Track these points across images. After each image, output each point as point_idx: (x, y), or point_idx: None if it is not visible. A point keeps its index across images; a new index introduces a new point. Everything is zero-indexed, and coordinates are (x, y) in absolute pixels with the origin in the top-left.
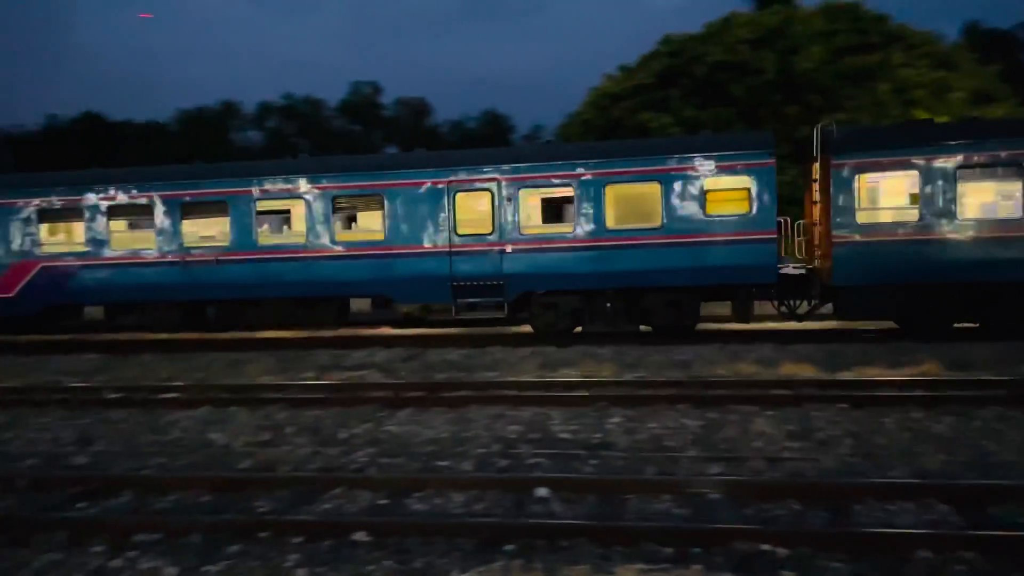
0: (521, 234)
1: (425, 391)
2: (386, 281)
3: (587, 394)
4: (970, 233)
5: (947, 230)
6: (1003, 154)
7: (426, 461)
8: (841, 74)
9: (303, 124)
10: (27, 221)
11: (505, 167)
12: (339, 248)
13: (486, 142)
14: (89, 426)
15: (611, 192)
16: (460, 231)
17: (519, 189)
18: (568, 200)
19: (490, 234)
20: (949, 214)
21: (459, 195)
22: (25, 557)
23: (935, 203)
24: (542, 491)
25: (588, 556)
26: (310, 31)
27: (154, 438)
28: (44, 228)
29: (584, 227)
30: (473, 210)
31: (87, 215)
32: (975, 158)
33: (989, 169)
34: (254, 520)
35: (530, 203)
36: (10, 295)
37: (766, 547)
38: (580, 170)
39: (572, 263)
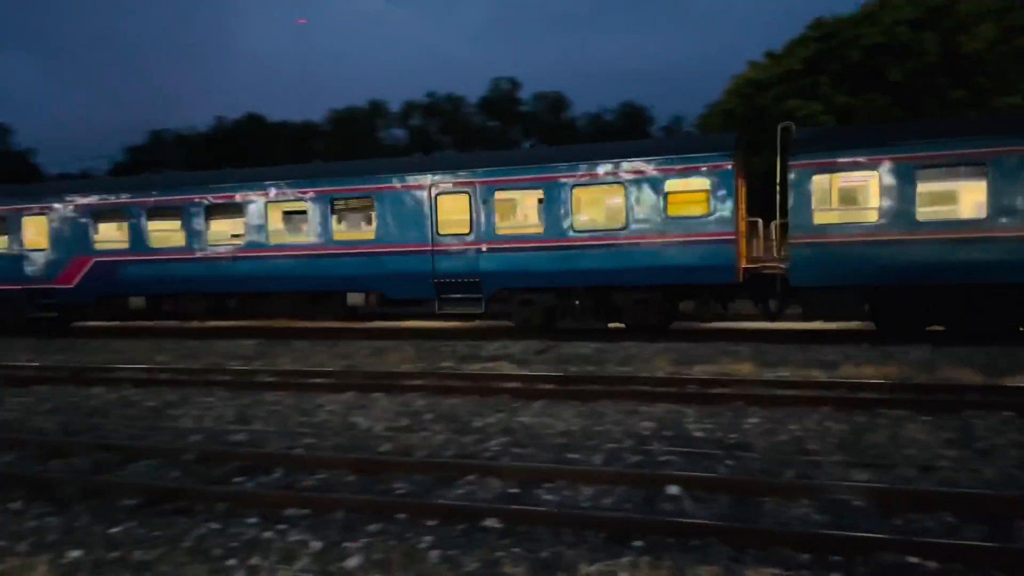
0: (496, 234)
1: (557, 384)
2: (384, 277)
3: (724, 392)
4: (931, 234)
5: (906, 232)
6: (965, 153)
7: (557, 453)
8: (1015, 54)
9: (445, 122)
10: (83, 221)
11: (481, 171)
12: (337, 247)
13: (623, 135)
14: (247, 406)
15: (578, 194)
16: (441, 231)
17: (494, 192)
18: (539, 202)
19: (468, 234)
20: (908, 215)
21: (440, 197)
22: (189, 525)
23: (894, 204)
24: (673, 489)
25: (719, 557)
26: (454, 29)
27: (304, 420)
28: (97, 228)
29: (553, 228)
30: (453, 212)
31: (134, 215)
32: (936, 158)
33: (951, 169)
34: (392, 501)
35: (504, 205)
36: (71, 286)
37: (913, 559)
38: (549, 173)
39: (542, 262)
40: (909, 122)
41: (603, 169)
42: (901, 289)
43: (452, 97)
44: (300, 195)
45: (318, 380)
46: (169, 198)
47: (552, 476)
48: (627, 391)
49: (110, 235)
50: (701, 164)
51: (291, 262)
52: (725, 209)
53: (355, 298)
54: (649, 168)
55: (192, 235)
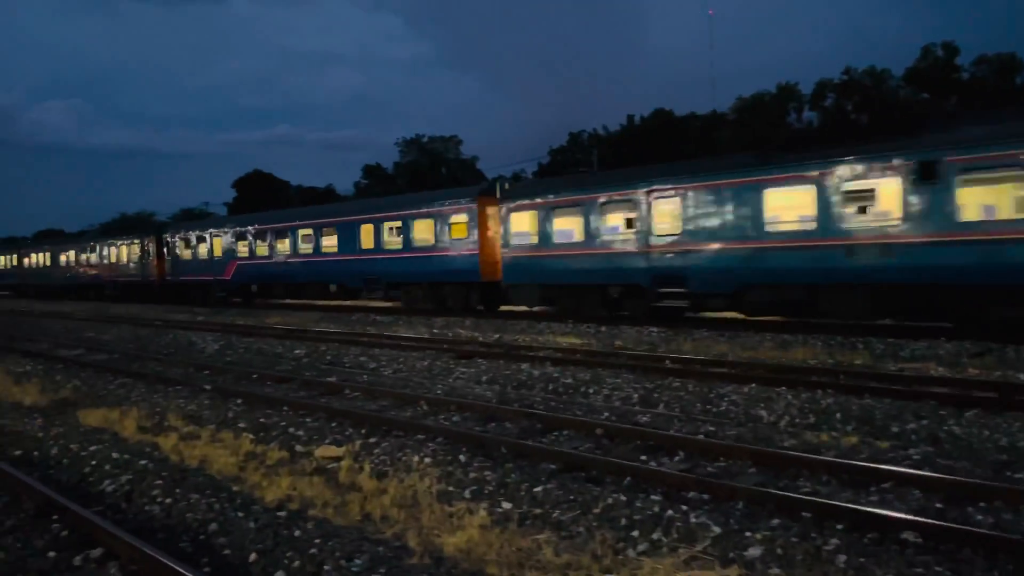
0: (384, 248)
1: (999, 392)
2: (339, 274)
3: None
4: (559, 252)
5: (548, 250)
6: (573, 199)
7: (996, 469)
8: None
9: (862, 98)
10: (235, 239)
11: (379, 211)
12: (323, 256)
13: None
14: (652, 390)
15: (415, 224)
16: (362, 247)
17: (383, 222)
18: (400, 229)
19: (373, 248)
20: (548, 239)
21: (362, 226)
22: (599, 493)
23: (542, 232)
24: None
25: None
26: None
27: (706, 408)
28: (239, 243)
29: (406, 245)
30: (368, 235)
31: (249, 237)
32: (561, 202)
33: (570, 209)
34: (798, 498)
35: (387, 230)
36: (229, 278)
37: None
38: (403, 211)
39: (403, 265)
40: (552, 179)
41: (424, 208)
42: (554, 286)
43: (873, 71)
44: (310, 224)
45: (721, 370)
46: (262, 227)
47: (989, 494)
48: None
49: (243, 247)
50: (462, 205)
51: (306, 265)
52: (473, 234)
53: (333, 287)
54: (443, 207)
55: (271, 248)
